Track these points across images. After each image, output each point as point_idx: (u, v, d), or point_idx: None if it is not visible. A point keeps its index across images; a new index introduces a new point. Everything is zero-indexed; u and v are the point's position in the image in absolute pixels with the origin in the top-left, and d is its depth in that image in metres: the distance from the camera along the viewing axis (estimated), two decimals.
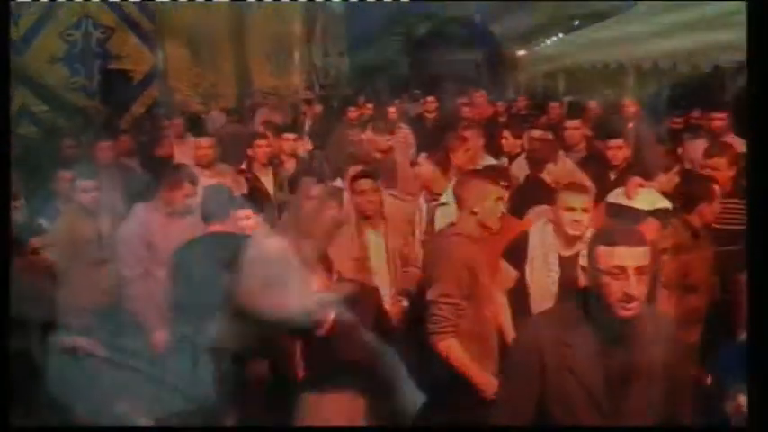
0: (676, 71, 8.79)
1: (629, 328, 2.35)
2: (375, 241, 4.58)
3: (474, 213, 3.70)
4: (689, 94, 9.01)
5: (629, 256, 2.30)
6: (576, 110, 8.36)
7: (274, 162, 6.31)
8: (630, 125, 7.09)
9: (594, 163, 5.84)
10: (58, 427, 3.39)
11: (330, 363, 3.19)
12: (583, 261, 3.69)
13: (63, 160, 6.22)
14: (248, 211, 4.36)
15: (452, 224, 3.88)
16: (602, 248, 2.34)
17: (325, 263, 3.34)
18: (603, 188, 5.06)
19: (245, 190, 5.70)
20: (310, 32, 14.49)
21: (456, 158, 5.34)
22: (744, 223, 3.77)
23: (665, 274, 4.06)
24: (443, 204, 4.79)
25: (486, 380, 3.53)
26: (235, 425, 3.58)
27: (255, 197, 5.44)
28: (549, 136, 6.13)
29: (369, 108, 10.00)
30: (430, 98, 9.63)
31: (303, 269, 3.08)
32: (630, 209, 4.63)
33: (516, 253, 3.98)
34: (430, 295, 3.61)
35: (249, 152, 6.20)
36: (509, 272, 3.98)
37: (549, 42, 16.21)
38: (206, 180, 5.06)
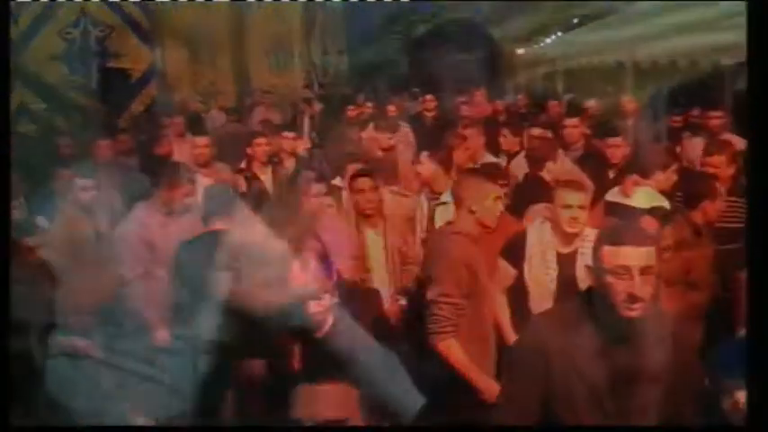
0: (676, 70, 8.79)
1: (633, 327, 2.34)
2: (374, 240, 4.58)
3: (472, 212, 3.68)
4: (688, 93, 9.00)
5: (635, 256, 2.28)
6: (575, 108, 8.37)
7: (273, 161, 6.31)
8: (629, 123, 7.09)
9: (593, 161, 5.84)
10: (58, 427, 3.39)
11: (328, 363, 3.18)
12: (582, 259, 3.69)
13: (62, 159, 6.21)
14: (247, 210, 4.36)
15: (450, 223, 3.87)
16: (607, 248, 2.32)
17: (324, 261, 3.34)
18: (602, 186, 5.07)
19: (244, 188, 5.70)
20: (310, 31, 14.48)
21: (456, 157, 5.35)
22: (743, 221, 3.77)
23: (667, 270, 4.06)
24: (443, 203, 4.79)
25: (487, 383, 3.51)
26: (235, 425, 3.58)
27: (255, 195, 5.44)
28: (549, 134, 6.14)
29: (368, 107, 10.02)
30: (429, 97, 9.61)
31: (298, 265, 3.08)
32: (628, 207, 4.63)
33: (514, 251, 3.97)
34: (430, 295, 3.59)
35: (248, 151, 6.21)
36: (507, 270, 3.97)
37: (548, 42, 16.20)
38: (203, 179, 5.05)
